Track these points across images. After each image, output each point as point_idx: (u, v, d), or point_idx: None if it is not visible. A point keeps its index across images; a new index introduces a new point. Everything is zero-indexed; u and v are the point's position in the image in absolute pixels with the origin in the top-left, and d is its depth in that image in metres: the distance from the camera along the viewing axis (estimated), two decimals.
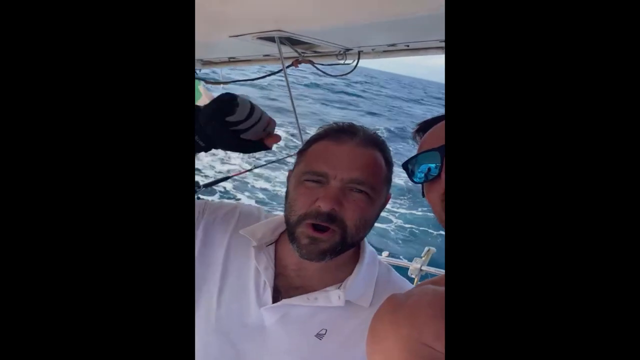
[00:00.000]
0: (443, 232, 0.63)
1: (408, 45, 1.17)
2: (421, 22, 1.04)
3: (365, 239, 0.87)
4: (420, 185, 0.66)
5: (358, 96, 33.98)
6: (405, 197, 8.64)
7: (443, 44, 1.17)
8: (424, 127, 0.71)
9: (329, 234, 0.72)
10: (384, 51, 1.24)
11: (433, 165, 0.61)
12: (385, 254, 2.23)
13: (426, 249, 2.16)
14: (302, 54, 1.32)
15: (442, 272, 1.88)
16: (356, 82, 48.79)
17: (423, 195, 0.68)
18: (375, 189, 0.75)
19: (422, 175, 0.63)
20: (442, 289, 0.59)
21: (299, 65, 1.35)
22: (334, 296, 0.75)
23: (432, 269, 2.11)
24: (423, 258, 2.07)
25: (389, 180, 0.81)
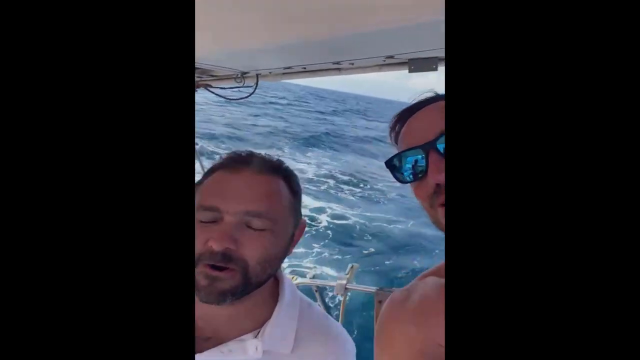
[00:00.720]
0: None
1: (305, 68, 1.14)
2: (315, 46, 1.02)
3: (283, 271, 0.78)
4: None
5: (285, 111, 34.03)
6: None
7: (338, 66, 1.16)
8: (400, 117, 0.64)
9: (228, 273, 0.62)
10: (283, 73, 1.20)
11: (418, 161, 0.56)
12: (309, 274, 2.13)
13: (350, 265, 2.06)
14: (198, 79, 1.23)
15: (369, 289, 1.78)
16: (281, 98, 49.04)
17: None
18: (277, 221, 0.66)
19: (410, 174, 0.58)
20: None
21: (197, 89, 1.26)
22: (250, 347, 0.65)
23: (357, 287, 1.94)
24: (347, 275, 1.97)
25: (295, 209, 0.72)
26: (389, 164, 0.61)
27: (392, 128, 0.65)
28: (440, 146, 0.53)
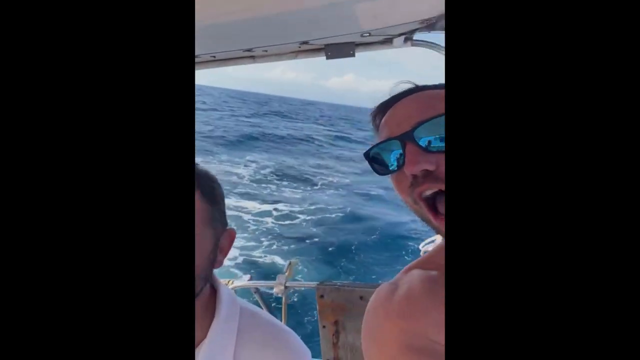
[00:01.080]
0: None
1: (214, 57, 1.03)
2: (224, 30, 0.92)
3: (218, 279, 0.70)
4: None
5: (208, 115, 32.65)
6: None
7: (250, 53, 1.06)
8: (380, 109, 0.61)
9: None
10: None
11: (397, 155, 0.53)
12: (247, 277, 1.99)
13: (288, 262, 1.97)
14: None
15: (309, 284, 1.72)
16: (202, 102, 47.06)
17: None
18: None
19: (389, 165, 0.55)
20: (432, 273, 0.54)
21: None
22: None
23: (297, 284, 1.86)
24: (286, 273, 1.87)
25: (214, 219, 0.63)
26: (368, 155, 0.58)
27: (373, 120, 0.62)
28: (419, 138, 0.51)
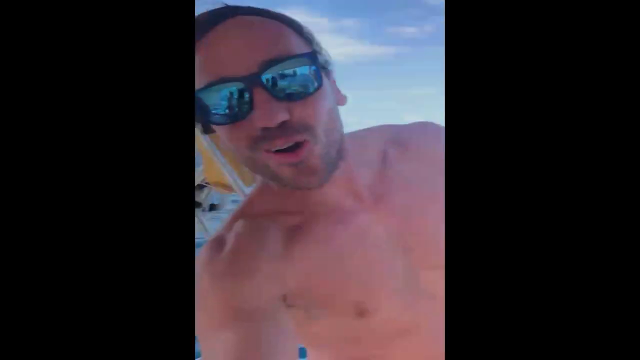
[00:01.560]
0: None
1: None
2: None
3: None
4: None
5: None
6: None
7: None
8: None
9: None
10: None
11: (233, 94, 0.40)
12: None
13: None
14: None
15: None
16: None
17: (207, 132, 0.46)
18: None
19: (225, 113, 0.41)
20: (259, 220, 0.48)
21: None
22: None
23: None
24: None
25: None
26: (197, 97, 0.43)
27: None
28: (269, 82, 0.39)
